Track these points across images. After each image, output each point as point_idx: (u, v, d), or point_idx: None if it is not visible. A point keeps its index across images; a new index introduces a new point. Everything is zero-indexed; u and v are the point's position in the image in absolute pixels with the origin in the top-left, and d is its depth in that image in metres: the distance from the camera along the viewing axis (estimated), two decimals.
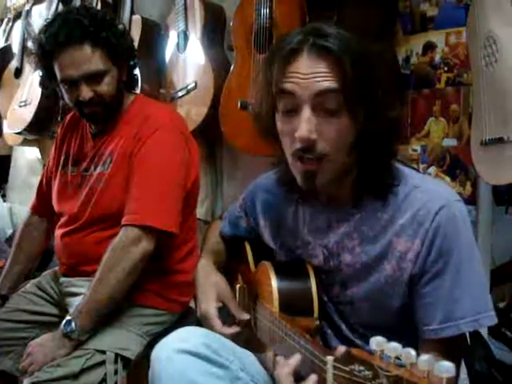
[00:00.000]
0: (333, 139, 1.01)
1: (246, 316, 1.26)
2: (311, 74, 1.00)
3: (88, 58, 1.60)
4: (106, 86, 1.64)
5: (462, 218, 1.05)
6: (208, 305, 1.27)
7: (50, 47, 1.60)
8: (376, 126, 1.03)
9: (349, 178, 1.10)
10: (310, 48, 1.01)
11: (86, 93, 1.61)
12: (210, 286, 1.32)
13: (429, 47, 1.86)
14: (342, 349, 0.83)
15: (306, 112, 1.00)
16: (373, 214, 1.10)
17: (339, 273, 1.14)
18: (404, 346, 0.69)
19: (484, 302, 1.05)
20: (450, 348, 1.03)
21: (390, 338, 0.72)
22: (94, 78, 1.61)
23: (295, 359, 0.94)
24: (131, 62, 1.75)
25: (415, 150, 1.90)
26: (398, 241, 1.06)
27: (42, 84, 1.76)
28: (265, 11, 2.00)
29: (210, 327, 1.24)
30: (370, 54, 1.04)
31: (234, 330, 1.24)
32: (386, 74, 1.06)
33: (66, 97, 1.67)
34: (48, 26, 1.63)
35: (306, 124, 1.00)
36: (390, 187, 1.09)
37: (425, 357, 0.66)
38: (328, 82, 1.00)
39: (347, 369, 0.73)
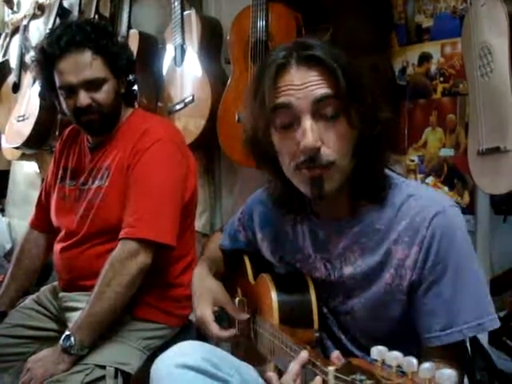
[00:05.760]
0: (336, 145, 1.02)
1: (245, 316, 1.26)
2: (305, 83, 1.01)
3: (88, 64, 1.61)
4: (104, 94, 1.64)
5: (457, 222, 1.06)
6: (204, 309, 1.26)
7: (51, 51, 1.61)
8: (370, 128, 1.04)
9: (345, 186, 1.09)
10: (298, 60, 1.02)
11: (83, 99, 1.62)
12: (205, 290, 1.32)
13: (424, 58, 1.86)
14: (335, 354, 0.85)
15: (308, 121, 1.00)
16: (370, 226, 1.10)
17: (341, 284, 1.14)
18: (405, 355, 0.69)
19: (486, 306, 1.04)
20: (453, 354, 1.03)
21: (391, 347, 0.72)
22: (93, 85, 1.62)
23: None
24: (130, 77, 1.76)
25: (412, 161, 1.90)
26: (396, 249, 1.07)
27: (42, 95, 1.77)
28: (261, 24, 2.01)
29: (207, 331, 1.24)
30: (353, 62, 1.05)
31: (231, 332, 1.24)
32: (371, 80, 1.08)
33: (63, 105, 1.68)
34: (51, 33, 1.65)
35: (310, 133, 1.00)
36: (385, 195, 1.09)
37: (426, 365, 0.66)
38: (323, 89, 1.00)
39: (349, 379, 0.73)
